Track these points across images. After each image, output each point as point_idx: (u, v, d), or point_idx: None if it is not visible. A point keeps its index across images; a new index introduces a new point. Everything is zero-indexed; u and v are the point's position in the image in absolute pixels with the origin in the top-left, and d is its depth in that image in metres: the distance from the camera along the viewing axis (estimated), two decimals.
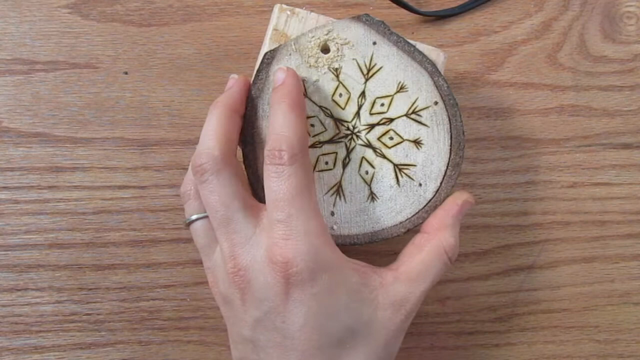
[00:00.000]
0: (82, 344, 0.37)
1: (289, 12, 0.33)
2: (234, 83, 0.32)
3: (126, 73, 0.38)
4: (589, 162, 0.39)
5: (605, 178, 0.39)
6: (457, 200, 0.31)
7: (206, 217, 0.30)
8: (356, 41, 0.32)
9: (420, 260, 0.30)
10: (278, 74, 0.30)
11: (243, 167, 0.31)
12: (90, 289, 0.37)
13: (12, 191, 0.37)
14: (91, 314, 0.37)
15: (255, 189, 0.32)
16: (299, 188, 0.28)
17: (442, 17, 0.39)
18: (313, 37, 0.32)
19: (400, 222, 0.32)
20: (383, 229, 0.32)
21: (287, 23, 0.33)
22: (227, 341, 0.37)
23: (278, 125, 0.28)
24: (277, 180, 0.28)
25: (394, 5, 0.38)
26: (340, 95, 0.32)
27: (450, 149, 0.32)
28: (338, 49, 0.32)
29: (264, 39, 0.33)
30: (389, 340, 0.29)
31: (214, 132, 0.29)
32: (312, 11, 0.33)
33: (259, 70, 0.32)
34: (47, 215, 0.37)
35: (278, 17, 0.33)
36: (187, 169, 0.33)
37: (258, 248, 0.28)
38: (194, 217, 0.31)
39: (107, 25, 0.38)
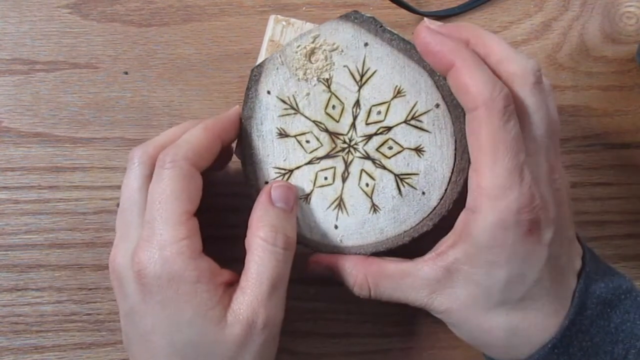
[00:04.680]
0: (82, 344, 0.37)
1: (284, 23, 0.32)
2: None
3: (126, 73, 0.38)
4: (589, 162, 0.39)
5: (605, 178, 0.39)
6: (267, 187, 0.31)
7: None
8: (346, 45, 0.30)
9: (249, 260, 0.29)
10: None
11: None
12: (90, 289, 0.37)
13: (12, 191, 0.37)
14: (91, 314, 0.37)
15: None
16: (169, 194, 0.28)
17: (442, 17, 0.39)
18: (299, 46, 0.30)
19: (405, 232, 0.31)
20: (387, 238, 0.32)
21: (282, 34, 0.33)
22: None
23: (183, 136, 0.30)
24: (154, 183, 0.29)
25: (394, 5, 0.38)
26: (334, 107, 0.31)
27: (455, 154, 0.30)
28: (326, 57, 0.30)
29: (260, 49, 0.33)
30: (236, 358, 0.28)
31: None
32: (307, 21, 0.32)
33: (248, 88, 0.31)
34: (47, 215, 0.37)
35: (274, 27, 0.32)
36: None
37: (132, 249, 0.29)
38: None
39: (107, 25, 0.38)
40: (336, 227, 0.32)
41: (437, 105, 0.30)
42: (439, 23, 0.29)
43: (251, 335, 0.28)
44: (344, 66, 0.30)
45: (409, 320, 0.38)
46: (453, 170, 0.30)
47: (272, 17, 0.33)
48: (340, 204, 0.32)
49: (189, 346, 0.28)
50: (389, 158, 0.31)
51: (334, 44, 0.30)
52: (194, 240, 0.28)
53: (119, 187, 0.37)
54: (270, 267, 0.29)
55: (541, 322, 0.29)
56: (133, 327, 0.29)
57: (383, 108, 0.30)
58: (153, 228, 0.28)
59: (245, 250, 0.30)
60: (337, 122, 0.31)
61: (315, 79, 0.31)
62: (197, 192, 0.29)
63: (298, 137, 0.31)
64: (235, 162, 0.34)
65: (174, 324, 0.28)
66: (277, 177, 0.32)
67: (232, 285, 0.29)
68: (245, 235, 0.30)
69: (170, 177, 0.28)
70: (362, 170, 0.31)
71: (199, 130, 0.30)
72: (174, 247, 0.28)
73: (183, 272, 0.28)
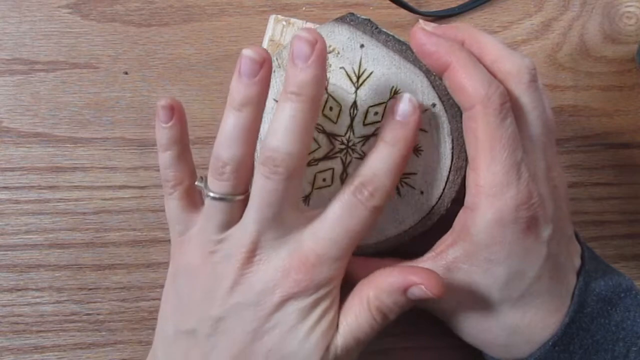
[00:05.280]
0: (82, 344, 0.37)
1: (284, 23, 0.32)
2: (310, 62, 0.26)
3: (126, 73, 0.38)
4: (589, 162, 0.39)
5: (605, 178, 0.39)
6: (412, 277, 0.27)
7: (239, 200, 0.28)
8: (342, 47, 0.30)
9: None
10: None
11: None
12: (90, 289, 0.37)
13: (12, 191, 0.37)
14: (91, 314, 0.37)
15: None
16: (359, 231, 0.28)
17: (442, 17, 0.39)
18: None
19: (404, 231, 0.31)
20: (387, 238, 0.32)
21: (282, 33, 0.33)
22: None
23: (374, 167, 0.28)
24: (349, 212, 0.27)
25: (394, 5, 0.38)
26: (331, 108, 0.31)
27: (452, 153, 0.30)
28: None
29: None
30: None
31: (294, 134, 0.26)
32: (307, 21, 0.33)
33: None
34: (47, 215, 0.37)
35: (274, 27, 0.32)
36: None
37: (284, 257, 0.28)
38: (230, 197, 0.28)
39: (107, 25, 0.38)
40: None
41: (434, 105, 0.30)
42: (433, 24, 0.29)
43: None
44: (341, 68, 0.30)
45: (409, 320, 0.38)
46: (450, 169, 0.30)
47: (272, 17, 0.33)
48: None
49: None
50: None
51: (330, 46, 0.30)
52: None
53: (119, 187, 0.38)
54: (364, 332, 0.28)
55: (541, 320, 0.29)
56: (236, 325, 0.28)
57: (380, 109, 0.30)
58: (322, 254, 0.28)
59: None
60: (335, 123, 0.31)
61: None
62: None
63: None
64: None
65: (283, 344, 0.27)
66: None
67: None
68: None
69: (368, 218, 0.28)
70: None
71: (392, 168, 0.28)
72: (332, 274, 0.28)
73: (323, 298, 0.28)
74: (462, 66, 0.27)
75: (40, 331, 0.37)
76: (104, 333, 0.37)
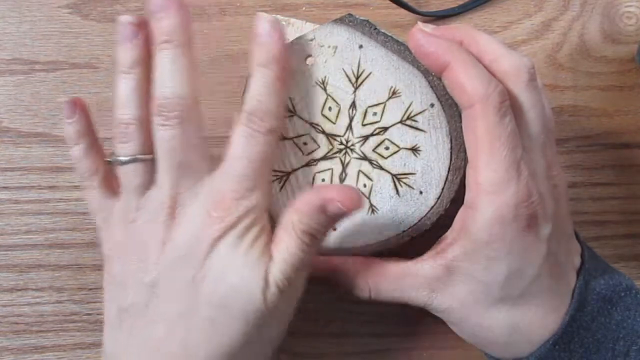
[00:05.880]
0: (82, 344, 0.37)
1: (284, 23, 0.33)
2: (173, 9, 0.29)
3: None
4: (588, 162, 0.39)
5: (605, 178, 0.39)
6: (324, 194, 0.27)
7: (148, 160, 0.29)
8: (341, 47, 0.31)
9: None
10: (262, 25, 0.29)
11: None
12: (90, 289, 0.37)
13: (12, 191, 0.37)
14: (91, 314, 0.37)
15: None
16: (264, 158, 0.28)
17: (442, 17, 0.39)
18: (296, 50, 0.31)
19: (404, 231, 0.31)
20: (387, 239, 0.32)
21: None
22: None
23: (256, 94, 0.29)
24: (248, 142, 0.28)
25: (394, 5, 0.38)
26: (330, 108, 0.31)
27: (451, 153, 0.30)
28: (322, 60, 0.31)
29: None
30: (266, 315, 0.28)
31: (180, 77, 0.29)
32: (307, 21, 0.33)
33: (244, 93, 0.31)
34: (47, 215, 0.37)
35: None
36: None
37: (204, 197, 0.28)
38: (139, 156, 0.29)
39: (107, 25, 0.38)
40: (334, 228, 0.32)
41: (432, 105, 0.30)
42: (432, 26, 0.29)
43: (279, 302, 0.28)
44: (340, 68, 0.31)
45: (409, 320, 0.38)
46: (449, 169, 0.31)
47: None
48: None
49: (229, 295, 0.27)
50: (386, 158, 0.31)
51: (329, 46, 0.31)
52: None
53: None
54: (298, 258, 0.28)
55: (542, 319, 0.29)
56: (175, 277, 0.28)
57: (379, 109, 0.31)
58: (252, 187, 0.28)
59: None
60: (334, 123, 0.31)
61: (312, 81, 0.31)
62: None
63: (295, 140, 0.32)
64: None
65: (226, 271, 0.27)
66: (275, 180, 0.32)
67: None
68: None
69: (267, 141, 0.28)
70: (360, 171, 0.31)
71: (271, 88, 0.29)
72: (261, 203, 0.28)
73: (254, 223, 0.28)
74: (461, 65, 0.27)
75: (40, 331, 0.37)
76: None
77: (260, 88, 0.29)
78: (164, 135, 0.28)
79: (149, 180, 0.29)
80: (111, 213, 0.31)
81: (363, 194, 0.31)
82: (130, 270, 0.29)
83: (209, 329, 0.27)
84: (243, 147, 0.28)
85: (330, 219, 0.28)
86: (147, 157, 0.29)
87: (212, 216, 0.27)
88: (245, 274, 0.27)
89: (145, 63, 0.30)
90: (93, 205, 0.31)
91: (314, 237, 0.28)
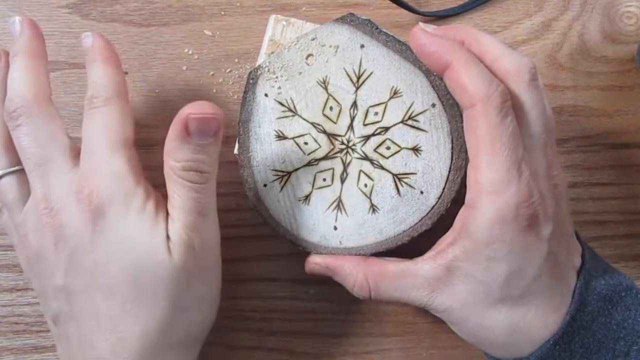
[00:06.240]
0: None
1: (284, 23, 0.33)
2: (21, 29, 0.32)
3: (126, 73, 0.38)
4: (589, 162, 0.39)
5: (605, 178, 0.39)
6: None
7: (17, 170, 0.31)
8: (342, 47, 0.31)
9: (169, 190, 0.29)
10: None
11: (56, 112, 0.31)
12: None
13: None
14: None
15: (259, 210, 0.32)
16: (110, 124, 0.29)
17: (442, 17, 0.39)
18: (298, 49, 0.31)
19: (404, 231, 0.31)
20: (387, 238, 0.32)
21: (282, 33, 0.33)
22: (226, 340, 0.37)
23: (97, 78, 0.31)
24: (88, 121, 0.29)
25: (394, 5, 0.38)
26: (331, 108, 0.31)
27: (452, 153, 0.30)
28: (323, 59, 0.31)
29: (260, 49, 0.33)
30: (180, 278, 0.28)
31: (21, 78, 0.30)
32: (307, 21, 0.33)
33: (245, 92, 0.31)
34: None
35: (274, 27, 0.33)
36: None
37: (70, 184, 0.29)
38: (8, 170, 0.31)
39: (107, 25, 0.38)
40: (335, 228, 0.32)
41: (433, 105, 0.30)
42: (433, 26, 0.29)
43: (192, 257, 0.28)
44: (341, 68, 0.31)
45: (409, 320, 0.38)
46: (450, 168, 0.31)
47: (272, 17, 0.33)
48: (339, 205, 0.32)
49: (137, 267, 0.28)
50: (387, 158, 0.31)
51: (330, 46, 0.30)
52: (139, 165, 0.30)
53: None
54: (191, 199, 0.29)
55: (542, 319, 0.29)
56: (79, 274, 0.28)
57: (380, 109, 0.31)
58: (99, 155, 0.29)
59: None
60: (335, 123, 0.31)
61: (313, 80, 0.31)
62: (132, 123, 0.30)
63: (296, 139, 0.32)
64: (236, 162, 0.34)
65: (125, 245, 0.28)
66: (276, 180, 0.32)
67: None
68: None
69: (106, 112, 0.29)
70: (361, 171, 0.31)
71: (103, 65, 0.31)
72: (126, 167, 0.28)
73: (135, 188, 0.28)
74: (462, 65, 0.27)
75: (40, 331, 0.37)
76: None
77: (97, 73, 0.31)
78: (17, 136, 0.29)
79: (27, 191, 0.30)
80: (10, 233, 0.32)
81: (364, 194, 0.31)
82: (43, 281, 0.30)
83: (133, 307, 0.28)
84: (93, 127, 0.29)
85: (198, 143, 0.28)
86: (16, 168, 0.31)
87: (83, 192, 0.28)
88: (144, 240, 0.27)
89: (5, 83, 0.31)
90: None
91: (198, 173, 0.28)
